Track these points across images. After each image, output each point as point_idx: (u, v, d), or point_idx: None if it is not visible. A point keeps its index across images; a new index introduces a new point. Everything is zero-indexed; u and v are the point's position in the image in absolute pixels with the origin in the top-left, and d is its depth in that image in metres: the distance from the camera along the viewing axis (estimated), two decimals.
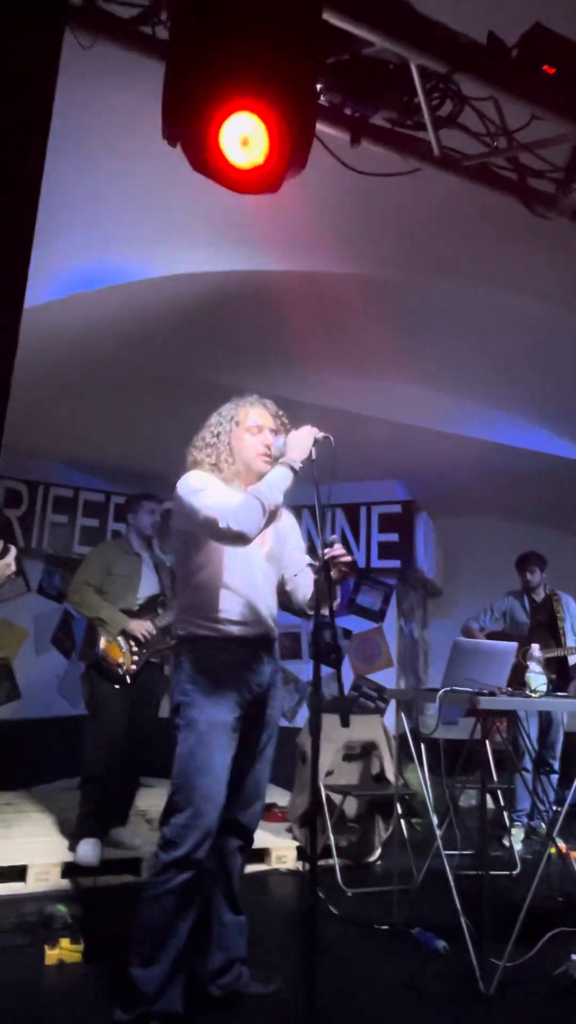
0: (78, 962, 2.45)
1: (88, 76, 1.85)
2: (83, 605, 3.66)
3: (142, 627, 3.62)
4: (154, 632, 3.62)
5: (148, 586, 3.78)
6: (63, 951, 2.46)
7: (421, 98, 1.72)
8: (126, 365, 3.67)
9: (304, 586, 2.34)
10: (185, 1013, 2.02)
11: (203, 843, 1.98)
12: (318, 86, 1.64)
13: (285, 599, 2.38)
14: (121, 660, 3.56)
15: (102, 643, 3.59)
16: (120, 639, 3.59)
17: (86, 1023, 2.08)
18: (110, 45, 1.60)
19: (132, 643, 3.59)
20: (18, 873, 3.19)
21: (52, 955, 2.45)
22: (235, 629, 2.15)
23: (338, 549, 2.13)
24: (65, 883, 3.21)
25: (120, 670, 3.55)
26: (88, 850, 3.29)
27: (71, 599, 3.75)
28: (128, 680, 3.55)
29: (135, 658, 3.58)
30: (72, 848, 3.36)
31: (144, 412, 4.27)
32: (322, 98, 1.74)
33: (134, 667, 3.56)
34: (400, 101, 1.77)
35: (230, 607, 2.15)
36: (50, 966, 2.43)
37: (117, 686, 3.55)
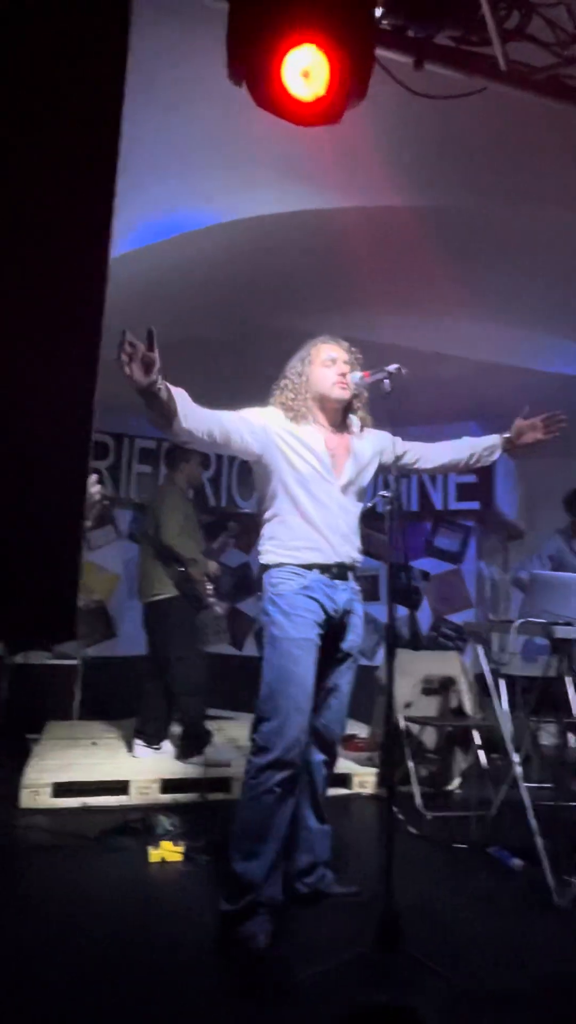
0: (178, 861, 2.73)
1: (154, 26, 1.90)
2: (182, 547, 3.96)
3: (217, 568, 4.20)
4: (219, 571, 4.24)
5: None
6: (164, 851, 2.74)
7: (486, 10, 1.68)
8: (200, 313, 3.77)
9: (451, 454, 2.58)
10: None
11: (293, 747, 2.13)
12: (378, 11, 1.63)
13: (447, 470, 2.67)
14: (204, 595, 4.06)
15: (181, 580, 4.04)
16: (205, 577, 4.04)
17: (186, 911, 2.31)
18: None
19: (208, 580, 4.08)
20: (122, 787, 3.51)
21: (155, 854, 2.73)
22: (309, 555, 2.27)
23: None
24: (164, 798, 3.51)
25: (203, 603, 4.05)
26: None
27: (172, 542, 3.96)
28: (219, 608, 4.19)
29: (210, 592, 4.08)
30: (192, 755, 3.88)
31: (219, 361, 4.37)
32: (383, 22, 1.72)
33: (211, 600, 4.08)
34: (464, 17, 1.73)
35: (303, 535, 2.27)
36: (153, 863, 2.71)
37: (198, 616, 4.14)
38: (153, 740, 4.00)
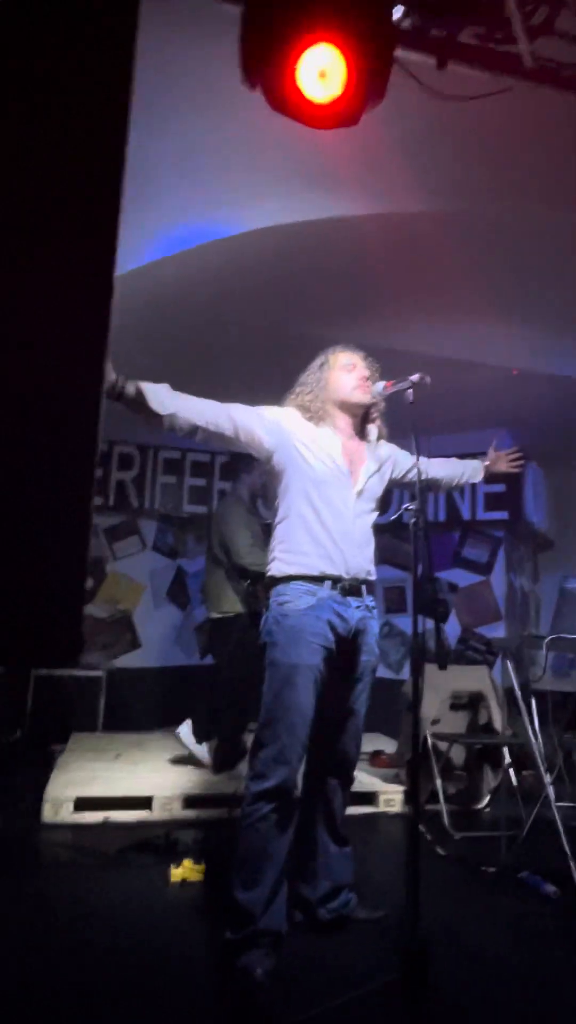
0: (199, 881, 2.67)
1: (169, 34, 1.88)
2: (258, 563, 3.84)
3: None
4: None
5: None
6: (186, 870, 2.68)
7: (512, 7, 1.62)
8: (225, 322, 3.75)
9: (444, 470, 2.64)
10: (298, 934, 2.16)
11: (290, 776, 2.05)
12: (399, 10, 1.58)
13: (441, 488, 2.74)
14: None
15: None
16: None
17: (206, 933, 2.25)
18: None
19: None
20: (144, 803, 3.47)
21: (176, 873, 2.68)
22: (320, 564, 2.16)
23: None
24: (186, 813, 3.46)
25: None
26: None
27: (246, 561, 3.92)
28: None
29: None
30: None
31: (243, 370, 4.35)
32: (404, 22, 1.67)
33: None
34: (488, 14, 1.67)
35: (314, 545, 2.17)
36: (174, 883, 2.66)
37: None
38: (201, 737, 4.01)
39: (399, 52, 1.63)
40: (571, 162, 2.27)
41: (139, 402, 1.98)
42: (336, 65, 1.34)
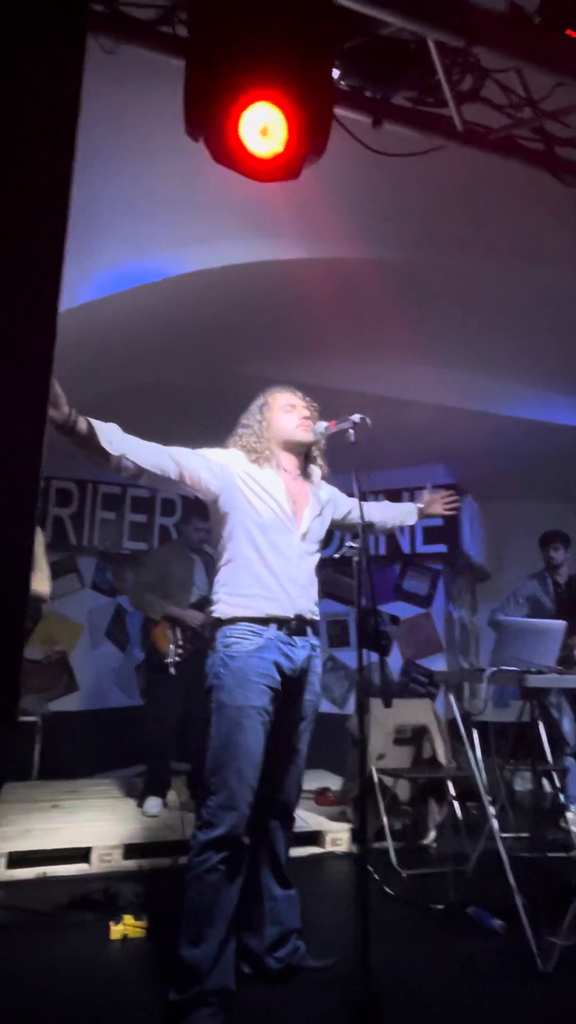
0: (141, 937, 2.56)
1: (116, 81, 1.91)
2: (143, 605, 4.11)
3: (195, 619, 4.02)
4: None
5: (201, 588, 4.16)
6: (127, 926, 2.57)
7: (441, 74, 1.72)
8: (166, 360, 3.75)
9: (379, 514, 2.66)
10: (246, 987, 2.09)
11: (239, 823, 2.01)
12: (336, 72, 1.66)
13: (376, 531, 2.76)
14: (167, 650, 3.98)
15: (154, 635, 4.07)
16: (169, 632, 3.99)
17: (150, 995, 2.15)
18: (133, 48, 1.64)
19: (179, 634, 3.99)
20: (83, 855, 3.32)
21: (116, 930, 2.56)
22: (265, 606, 2.15)
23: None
24: (128, 864, 3.33)
25: (166, 659, 3.97)
26: (152, 804, 3.95)
27: (135, 604, 4.24)
28: (173, 670, 3.96)
29: (180, 650, 3.98)
30: (140, 806, 3.99)
31: (182, 407, 4.35)
32: (342, 83, 1.75)
33: (178, 658, 3.96)
34: (420, 79, 1.77)
35: (260, 585, 2.16)
36: (115, 941, 2.54)
37: (164, 674, 3.99)
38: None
39: (337, 110, 1.70)
40: (496, 217, 2.40)
41: (89, 439, 1.93)
42: (277, 122, 1.39)
